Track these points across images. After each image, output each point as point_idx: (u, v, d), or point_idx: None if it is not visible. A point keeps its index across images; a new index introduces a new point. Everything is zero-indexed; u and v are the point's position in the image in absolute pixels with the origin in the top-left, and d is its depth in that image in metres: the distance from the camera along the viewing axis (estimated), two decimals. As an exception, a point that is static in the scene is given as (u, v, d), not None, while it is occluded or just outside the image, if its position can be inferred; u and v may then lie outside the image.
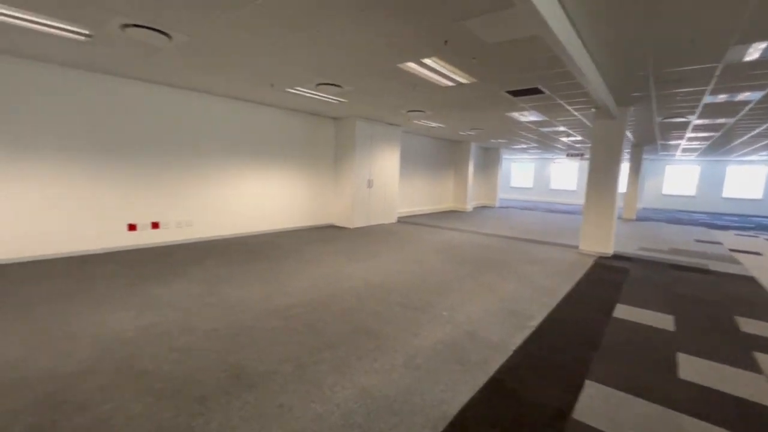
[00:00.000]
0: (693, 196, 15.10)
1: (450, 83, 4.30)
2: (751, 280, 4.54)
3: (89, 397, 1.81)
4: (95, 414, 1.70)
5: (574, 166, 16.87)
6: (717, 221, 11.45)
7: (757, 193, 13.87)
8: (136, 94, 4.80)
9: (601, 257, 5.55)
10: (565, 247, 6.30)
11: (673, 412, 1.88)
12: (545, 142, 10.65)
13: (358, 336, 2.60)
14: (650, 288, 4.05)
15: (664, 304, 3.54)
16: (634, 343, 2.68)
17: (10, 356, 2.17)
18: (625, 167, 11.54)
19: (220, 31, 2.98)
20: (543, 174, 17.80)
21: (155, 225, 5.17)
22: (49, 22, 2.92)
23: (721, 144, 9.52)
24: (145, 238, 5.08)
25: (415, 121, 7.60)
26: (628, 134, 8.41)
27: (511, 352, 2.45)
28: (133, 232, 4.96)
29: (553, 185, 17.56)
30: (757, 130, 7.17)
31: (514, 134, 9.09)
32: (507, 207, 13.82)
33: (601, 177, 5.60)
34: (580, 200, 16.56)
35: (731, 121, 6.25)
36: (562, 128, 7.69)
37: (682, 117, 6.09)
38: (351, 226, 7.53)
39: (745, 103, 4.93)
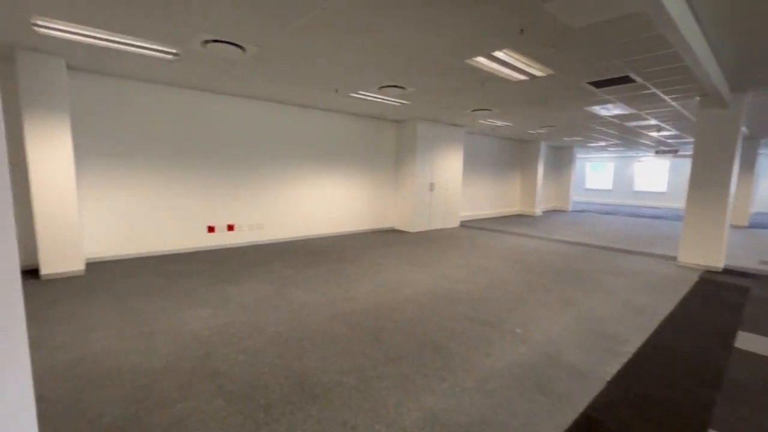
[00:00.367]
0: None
1: (522, 77, 3.95)
2: None
3: (168, 395, 1.90)
4: (172, 413, 1.76)
5: (664, 165, 14.84)
6: None
7: None
8: (214, 107, 5.20)
9: (707, 271, 4.69)
10: (658, 257, 5.46)
11: None
12: (629, 138, 9.47)
13: (423, 350, 2.43)
14: (783, 313, 3.28)
15: (806, 335, 2.82)
16: (771, 384, 2.14)
17: (108, 346, 2.39)
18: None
19: (287, 40, 3.04)
20: (624, 174, 15.95)
21: (230, 227, 5.55)
22: (144, 45, 3.24)
23: None
24: (222, 239, 5.48)
25: (480, 121, 7.23)
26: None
27: (604, 384, 2.09)
28: (211, 234, 5.37)
29: (638, 186, 15.62)
30: None
31: (593, 131, 8.21)
32: (582, 211, 12.60)
33: (708, 176, 4.74)
34: (672, 203, 14.51)
35: None
36: (653, 122, 6.73)
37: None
38: (412, 230, 7.39)
39: None
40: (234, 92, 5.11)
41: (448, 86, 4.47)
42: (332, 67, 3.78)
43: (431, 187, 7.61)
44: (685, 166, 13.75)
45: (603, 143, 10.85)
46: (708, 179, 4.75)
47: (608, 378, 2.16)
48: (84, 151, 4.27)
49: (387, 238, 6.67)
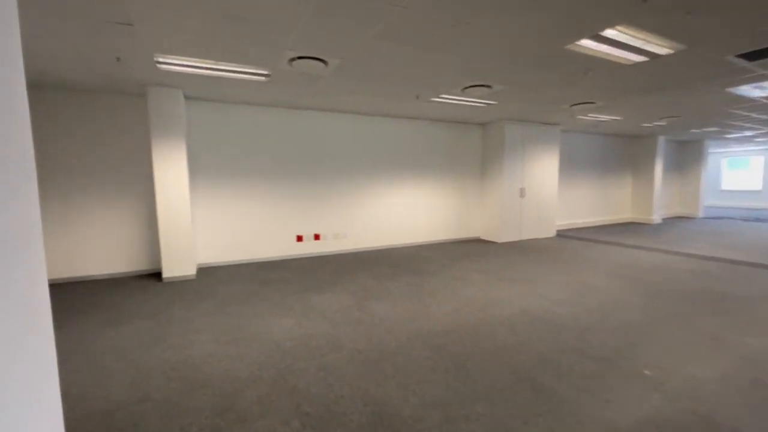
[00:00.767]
0: None
1: (639, 59, 3.27)
2: None
3: (248, 408, 1.90)
4: (251, 429, 1.74)
5: None
6: None
7: None
8: (301, 123, 5.50)
9: None
10: None
11: None
12: (792, 125, 7.37)
13: (519, 388, 2.06)
14: None
15: None
16: None
17: (206, 351, 2.55)
18: None
19: (368, 49, 2.98)
20: (782, 170, 12.57)
21: (317, 236, 5.77)
22: (242, 69, 3.53)
23: None
24: (308, 248, 5.72)
25: (580, 117, 6.36)
26: None
27: (798, 470, 1.47)
28: (300, 243, 5.65)
29: (803, 186, 12.16)
30: None
31: (735, 118, 6.58)
32: (719, 218, 10.24)
33: None
34: None
35: None
36: (835, 100, 5.07)
37: None
38: (499, 241, 6.80)
39: None
40: (318, 107, 5.33)
41: (542, 79, 3.96)
42: (414, 70, 3.63)
43: (522, 192, 6.93)
44: None
45: (750, 133, 8.67)
46: None
47: (804, 461, 1.52)
48: (194, 169, 4.86)
49: (472, 249, 6.24)
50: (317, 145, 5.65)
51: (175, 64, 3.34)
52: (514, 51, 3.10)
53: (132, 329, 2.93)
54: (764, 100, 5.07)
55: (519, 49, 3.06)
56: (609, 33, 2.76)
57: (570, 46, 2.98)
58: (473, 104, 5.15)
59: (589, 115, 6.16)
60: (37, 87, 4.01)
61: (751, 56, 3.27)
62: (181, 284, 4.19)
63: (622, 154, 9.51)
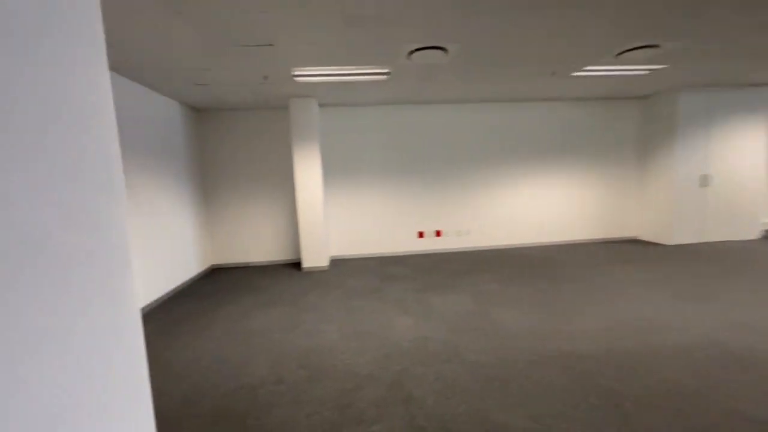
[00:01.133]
0: None
1: None
2: None
3: (365, 409, 1.90)
4: (367, 433, 1.73)
5: None
6: None
7: None
8: (421, 118, 5.41)
9: None
10: None
11: None
12: None
13: (709, 455, 1.49)
14: None
15: None
16: None
17: (332, 341, 2.72)
18: None
19: (491, 25, 2.65)
20: None
21: (438, 233, 5.65)
22: (365, 71, 3.64)
23: None
24: (429, 244, 5.65)
25: (813, 69, 4.41)
26: None
27: None
28: (421, 239, 5.63)
29: None
30: None
31: None
32: None
33: None
34: None
35: None
36: None
37: None
38: (668, 243, 5.38)
39: None
40: (438, 100, 5.15)
41: (751, 22, 2.84)
42: (549, 42, 3.09)
43: (704, 180, 5.31)
44: None
45: None
46: None
47: None
48: (325, 170, 5.32)
49: (626, 251, 5.10)
50: (440, 139, 5.48)
51: (309, 75, 3.66)
52: (700, -9, 2.28)
53: (276, 313, 3.37)
54: None
55: (709, -13, 2.23)
56: None
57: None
58: (630, 73, 4.13)
59: (832, 64, 4.22)
60: (208, 111, 5.03)
61: None
62: (317, 274, 4.66)
63: None
